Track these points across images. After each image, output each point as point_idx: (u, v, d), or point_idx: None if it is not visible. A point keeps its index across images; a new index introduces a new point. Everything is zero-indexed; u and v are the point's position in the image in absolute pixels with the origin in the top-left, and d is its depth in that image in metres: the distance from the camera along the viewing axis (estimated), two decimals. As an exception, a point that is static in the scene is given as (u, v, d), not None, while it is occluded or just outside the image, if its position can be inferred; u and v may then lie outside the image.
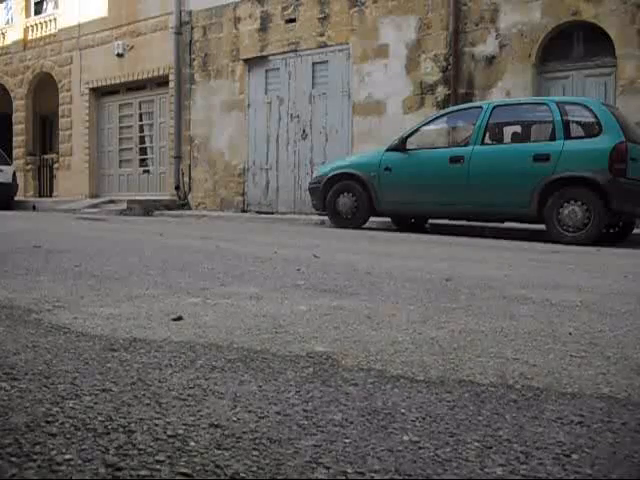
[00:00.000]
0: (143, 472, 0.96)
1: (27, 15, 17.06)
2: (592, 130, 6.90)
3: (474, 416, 1.26)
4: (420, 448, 1.10)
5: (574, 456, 1.08)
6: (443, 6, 10.18)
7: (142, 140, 14.98)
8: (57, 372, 1.46)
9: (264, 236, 6.43)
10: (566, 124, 6.96)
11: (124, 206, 12.48)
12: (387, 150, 8.15)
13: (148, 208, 12.29)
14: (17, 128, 17.17)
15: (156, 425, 1.15)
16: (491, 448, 1.11)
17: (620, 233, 7.60)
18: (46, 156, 17.39)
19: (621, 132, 6.64)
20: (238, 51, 12.70)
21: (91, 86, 15.37)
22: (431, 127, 8.36)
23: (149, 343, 1.76)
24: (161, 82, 14.17)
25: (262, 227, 8.53)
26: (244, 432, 1.14)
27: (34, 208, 14.20)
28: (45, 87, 16.72)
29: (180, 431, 1.13)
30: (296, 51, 11.89)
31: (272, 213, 11.96)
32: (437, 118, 8.32)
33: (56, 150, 16.93)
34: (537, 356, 1.74)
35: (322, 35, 11.51)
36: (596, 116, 6.79)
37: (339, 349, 1.76)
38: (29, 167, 17.12)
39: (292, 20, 11.90)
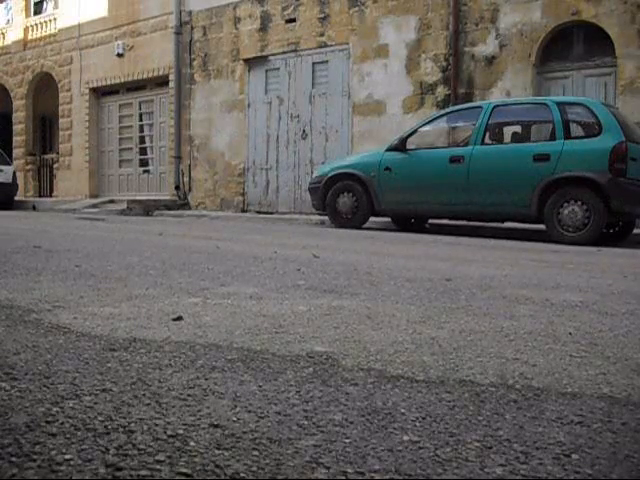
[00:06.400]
0: (143, 472, 0.97)
1: (27, 15, 17.06)
2: (592, 130, 6.90)
3: (474, 416, 1.26)
4: (420, 448, 1.10)
5: (574, 456, 1.08)
6: (443, 6, 10.18)
7: (142, 140, 14.98)
8: (57, 372, 1.46)
9: (264, 236, 6.43)
10: (566, 124, 6.96)
11: (124, 206, 12.48)
12: (387, 150, 8.15)
13: (148, 208, 12.29)
14: (17, 128, 17.17)
15: (156, 425, 1.15)
16: (491, 448, 1.11)
17: (620, 233, 7.60)
18: (46, 156, 17.39)
19: (621, 132, 6.63)
20: (238, 51, 12.70)
21: (91, 86, 15.37)
22: (431, 127, 8.36)
23: (149, 343, 1.76)
24: (161, 82, 14.17)
25: (262, 227, 8.53)
26: (244, 432, 1.14)
27: (34, 208, 14.21)
28: (45, 87, 16.73)
29: (180, 431, 1.13)
30: (296, 51, 11.89)
31: (272, 213, 11.96)
32: (437, 118, 8.31)
33: (56, 150, 16.93)
34: (537, 356, 1.74)
35: (322, 35, 11.51)
36: (596, 116, 6.78)
37: (339, 349, 1.76)
38: (29, 167, 17.12)
39: (292, 20, 11.90)
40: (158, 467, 0.98)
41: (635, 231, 7.64)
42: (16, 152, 17.11)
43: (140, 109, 14.96)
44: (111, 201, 14.13)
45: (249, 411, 1.24)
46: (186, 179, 13.54)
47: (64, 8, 15.91)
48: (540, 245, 6.45)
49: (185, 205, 13.37)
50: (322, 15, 11.50)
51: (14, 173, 14.71)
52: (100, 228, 7.40)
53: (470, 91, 9.96)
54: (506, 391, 1.43)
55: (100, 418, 1.17)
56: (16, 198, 14.84)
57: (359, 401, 1.33)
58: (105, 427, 1.13)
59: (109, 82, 15.00)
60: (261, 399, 1.32)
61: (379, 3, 10.85)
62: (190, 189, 13.50)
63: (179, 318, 2.09)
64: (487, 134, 7.56)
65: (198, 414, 1.22)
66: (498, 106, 7.62)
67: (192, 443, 1.08)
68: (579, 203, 6.73)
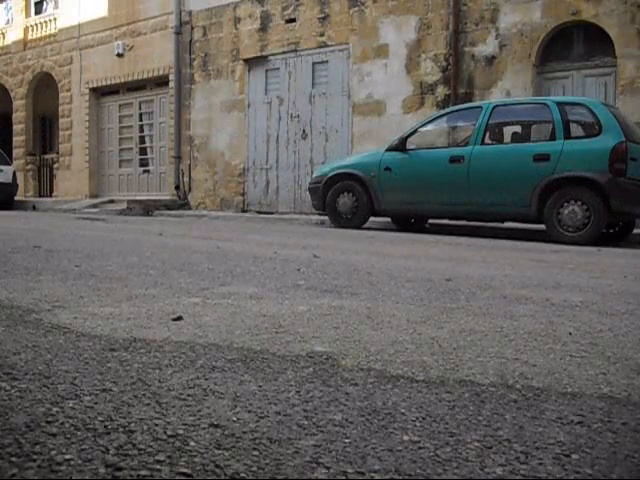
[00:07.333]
0: (143, 472, 0.96)
1: (27, 15, 17.06)
2: (592, 130, 6.90)
3: (474, 416, 1.26)
4: (420, 448, 1.10)
5: (574, 456, 1.08)
6: (443, 6, 10.18)
7: (142, 140, 14.98)
8: (57, 372, 1.46)
9: (264, 236, 6.43)
10: (566, 124, 6.96)
11: (124, 206, 12.48)
12: (387, 150, 8.15)
13: (148, 208, 12.29)
14: (17, 128, 17.17)
15: (156, 425, 1.15)
16: (491, 448, 1.11)
17: (620, 233, 7.60)
18: (46, 156, 17.39)
19: (621, 132, 6.63)
20: (238, 51, 12.70)
21: (91, 86, 15.37)
22: (431, 127, 8.36)
23: (149, 343, 1.76)
24: (161, 82, 14.17)
25: (262, 227, 8.53)
26: (244, 432, 1.14)
27: (34, 208, 14.21)
28: (45, 87, 16.72)
29: (180, 431, 1.13)
30: (296, 51, 11.89)
31: (272, 213, 11.96)
32: (437, 118, 8.31)
33: (56, 150, 16.93)
34: (537, 356, 1.74)
35: (322, 35, 11.51)
36: (596, 116, 6.78)
37: (339, 349, 1.76)
38: (29, 167, 17.12)
39: (292, 20, 11.90)
40: (158, 467, 0.98)
41: (635, 231, 7.64)
42: (16, 152, 17.11)
43: (140, 109, 14.96)
44: (111, 201, 14.13)
45: (249, 411, 1.24)
46: (186, 179, 13.54)
47: (64, 8, 15.91)
48: (540, 245, 6.45)
49: (185, 205, 13.37)
50: (322, 15, 11.50)
51: (14, 173, 14.71)
52: (100, 228, 7.40)
53: (470, 91, 9.95)
54: (506, 391, 1.43)
55: (100, 418, 1.17)
56: (16, 198, 14.84)
57: (359, 401, 1.33)
58: (105, 427, 1.13)
59: (109, 82, 14.99)
60: (261, 399, 1.32)
61: (379, 3, 10.85)
62: (190, 189, 13.50)
63: (179, 318, 2.09)
64: (487, 134, 7.56)
65: (198, 414, 1.22)
66: (498, 106, 7.62)
67: (192, 443, 1.08)
68: (579, 203, 6.73)
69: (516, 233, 7.99)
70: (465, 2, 9.99)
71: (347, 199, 8.31)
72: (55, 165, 16.61)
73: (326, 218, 8.90)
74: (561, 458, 1.07)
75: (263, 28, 12.31)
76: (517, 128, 7.80)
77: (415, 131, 8.12)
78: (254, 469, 0.99)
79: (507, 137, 7.81)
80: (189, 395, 1.33)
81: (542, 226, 7.20)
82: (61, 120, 16.08)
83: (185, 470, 0.98)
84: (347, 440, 1.12)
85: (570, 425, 1.23)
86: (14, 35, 17.22)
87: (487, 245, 6.28)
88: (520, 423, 1.23)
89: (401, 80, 10.61)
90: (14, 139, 17.24)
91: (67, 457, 1.00)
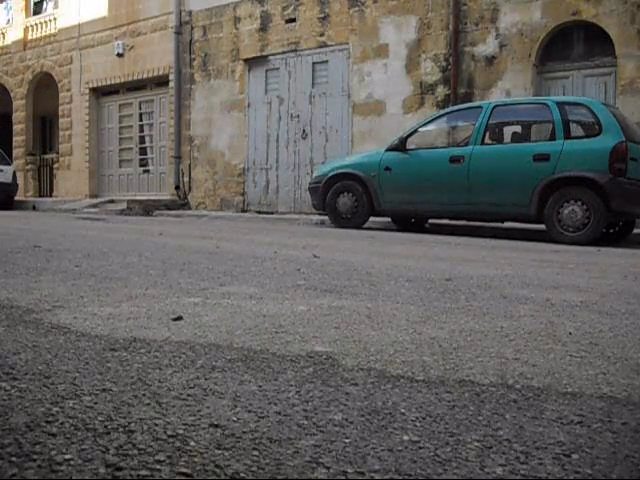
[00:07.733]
0: (143, 472, 0.96)
1: (27, 15, 17.06)
2: (592, 130, 6.90)
3: (474, 416, 1.26)
4: (420, 448, 1.10)
5: (574, 456, 1.08)
6: (443, 6, 10.18)
7: (142, 140, 14.98)
8: (57, 372, 1.46)
9: (264, 236, 6.42)
10: (566, 124, 6.96)
11: (124, 206, 12.48)
12: (387, 150, 8.15)
13: (148, 208, 12.29)
14: (17, 128, 17.17)
15: (156, 425, 1.15)
16: (491, 448, 1.11)
17: (620, 233, 7.60)
18: (46, 156, 17.39)
19: (621, 132, 6.63)
20: (238, 51, 12.70)
21: (91, 86, 15.37)
22: (431, 127, 8.36)
23: (149, 343, 1.76)
24: (161, 82, 14.17)
25: (262, 227, 8.53)
26: (244, 432, 1.14)
27: (34, 208, 14.21)
28: (45, 87, 16.72)
29: (180, 431, 1.13)
30: (296, 51, 11.89)
31: (272, 213, 11.96)
32: (437, 118, 8.31)
33: (56, 150, 16.93)
34: (537, 356, 1.74)
35: (322, 35, 11.51)
36: (596, 116, 6.78)
37: (339, 349, 1.76)
38: (29, 167, 17.12)
39: (292, 20, 11.90)
40: (158, 467, 0.98)
41: (635, 231, 7.64)
42: (16, 152, 17.11)
43: (140, 109, 14.96)
44: (111, 201, 14.13)
45: (249, 411, 1.24)
46: (186, 179, 13.54)
47: (64, 8, 15.91)
48: (540, 245, 6.45)
49: (185, 205, 13.37)
50: (322, 15, 11.50)
51: (14, 173, 14.71)
52: (100, 228, 7.40)
53: (470, 91, 9.95)
54: (506, 391, 1.43)
55: (100, 418, 1.17)
56: (16, 198, 14.84)
57: (359, 401, 1.33)
58: (105, 427, 1.13)
59: (109, 82, 14.99)
60: (261, 399, 1.32)
61: (379, 3, 10.84)
62: (190, 189, 13.50)
63: (179, 318, 2.09)
64: (487, 134, 7.55)
65: (198, 414, 1.22)
66: (498, 106, 7.62)
67: (192, 443, 1.08)
68: (579, 203, 6.73)
69: (516, 233, 7.99)
70: (465, 2, 9.99)
71: (347, 199, 8.31)
72: (55, 165, 16.60)
73: (326, 218, 8.90)
74: (561, 458, 1.07)
75: (263, 28, 12.31)
76: (517, 128, 7.80)
77: (415, 131, 8.12)
78: (254, 469, 0.99)
79: (507, 137, 7.81)
80: (189, 395, 1.33)
81: (542, 226, 7.20)
82: (61, 120, 16.08)
83: (185, 470, 0.98)
84: (347, 440, 1.12)
85: (570, 425, 1.23)
86: (14, 35, 17.22)
87: (487, 245, 6.28)
88: (520, 423, 1.23)
89: (401, 80, 10.61)
90: (14, 139, 17.24)
91: (67, 457, 1.00)
